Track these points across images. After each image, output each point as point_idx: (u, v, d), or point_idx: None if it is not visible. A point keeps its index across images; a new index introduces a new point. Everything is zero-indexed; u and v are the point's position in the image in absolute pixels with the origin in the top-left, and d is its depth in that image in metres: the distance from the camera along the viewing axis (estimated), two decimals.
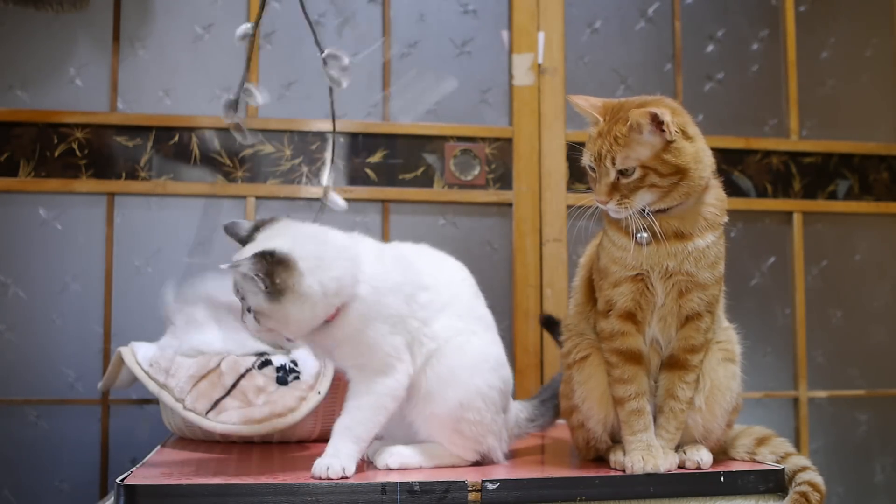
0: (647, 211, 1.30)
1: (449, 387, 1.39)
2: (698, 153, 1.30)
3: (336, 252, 1.36)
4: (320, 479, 1.27)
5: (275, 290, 1.27)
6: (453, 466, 1.41)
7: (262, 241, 1.32)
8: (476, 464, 1.43)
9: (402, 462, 1.38)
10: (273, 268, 1.26)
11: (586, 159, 1.34)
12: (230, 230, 1.38)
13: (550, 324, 1.90)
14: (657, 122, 1.26)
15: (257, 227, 1.36)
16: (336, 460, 1.29)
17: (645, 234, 1.31)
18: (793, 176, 2.56)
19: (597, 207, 1.34)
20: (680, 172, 1.28)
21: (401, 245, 1.52)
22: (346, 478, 1.28)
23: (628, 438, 1.36)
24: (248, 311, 1.32)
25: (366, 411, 1.35)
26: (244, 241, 1.36)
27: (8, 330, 2.22)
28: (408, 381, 1.38)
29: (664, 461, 1.33)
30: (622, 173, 1.29)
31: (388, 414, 1.37)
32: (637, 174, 1.28)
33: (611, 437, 1.44)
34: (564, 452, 1.63)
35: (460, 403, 1.39)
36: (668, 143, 1.27)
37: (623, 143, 1.28)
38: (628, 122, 1.27)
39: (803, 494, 1.32)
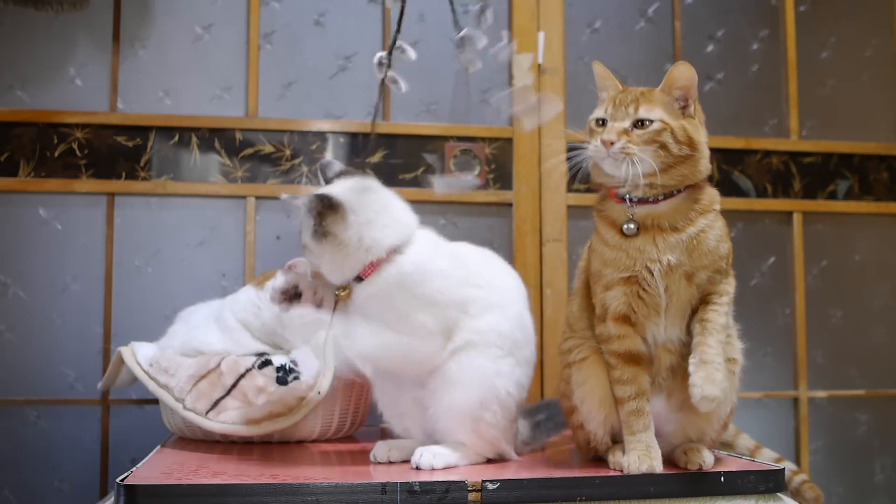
0: (630, 201, 1.33)
1: (471, 379, 1.41)
2: (706, 147, 1.36)
3: (389, 219, 1.44)
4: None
5: (321, 231, 1.39)
6: (476, 464, 1.45)
7: (333, 187, 1.46)
8: (489, 462, 1.47)
9: (446, 462, 1.40)
10: (325, 210, 1.39)
11: (599, 113, 1.37)
12: (322, 168, 1.54)
13: None
14: (688, 96, 1.36)
15: (341, 174, 1.51)
16: None
17: (632, 226, 1.33)
18: (793, 176, 2.56)
19: (584, 160, 1.36)
20: (692, 146, 1.33)
21: (463, 245, 1.57)
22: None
23: (628, 438, 1.36)
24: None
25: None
26: (328, 181, 1.51)
27: (8, 330, 2.22)
28: (434, 354, 1.42)
29: (661, 462, 1.33)
30: (639, 124, 1.32)
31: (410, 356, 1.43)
32: (656, 126, 1.31)
33: (612, 438, 1.44)
34: (564, 452, 1.63)
35: (480, 401, 1.41)
36: (689, 117, 1.34)
37: (648, 99, 1.34)
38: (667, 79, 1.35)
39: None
